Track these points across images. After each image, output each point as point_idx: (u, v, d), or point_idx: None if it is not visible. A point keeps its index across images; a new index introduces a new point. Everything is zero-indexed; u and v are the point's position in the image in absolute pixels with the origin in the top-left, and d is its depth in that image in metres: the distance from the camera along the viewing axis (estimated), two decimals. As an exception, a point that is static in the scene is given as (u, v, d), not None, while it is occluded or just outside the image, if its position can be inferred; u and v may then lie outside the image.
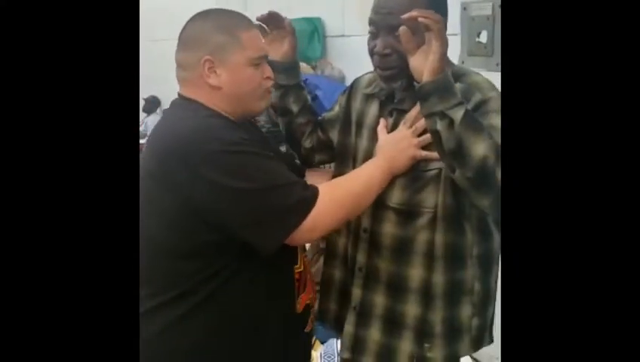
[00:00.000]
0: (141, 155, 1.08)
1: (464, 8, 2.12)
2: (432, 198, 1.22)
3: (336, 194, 1.18)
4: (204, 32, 1.18)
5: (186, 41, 1.20)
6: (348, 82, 2.84)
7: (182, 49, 1.20)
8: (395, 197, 1.26)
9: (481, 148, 1.03)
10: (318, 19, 2.90)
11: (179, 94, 1.22)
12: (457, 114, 1.05)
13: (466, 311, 1.27)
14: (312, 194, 1.13)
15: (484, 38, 2.07)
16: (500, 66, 2.02)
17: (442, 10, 1.20)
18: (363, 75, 1.43)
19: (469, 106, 1.13)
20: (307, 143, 1.48)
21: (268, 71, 1.23)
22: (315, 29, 2.88)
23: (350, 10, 2.74)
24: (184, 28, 1.21)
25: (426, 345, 1.26)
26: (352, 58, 2.80)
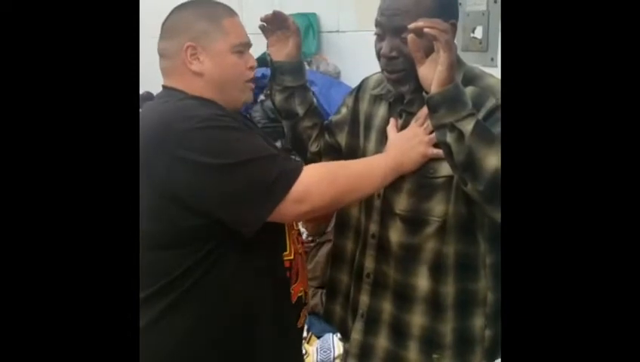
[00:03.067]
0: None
1: (459, 4, 2.12)
2: (440, 207, 1.20)
3: (330, 170, 1.16)
4: (186, 20, 1.18)
5: (167, 30, 1.20)
6: (343, 78, 2.85)
7: (164, 38, 1.20)
8: (402, 204, 1.24)
9: (492, 161, 1.01)
10: (313, 14, 2.89)
11: (162, 86, 1.22)
12: (467, 126, 1.03)
13: (478, 322, 1.24)
14: (294, 167, 1.10)
15: (479, 33, 2.07)
16: (494, 61, 2.03)
17: (452, 12, 1.18)
18: (371, 75, 1.40)
19: (483, 112, 1.12)
20: (314, 147, 1.43)
21: (252, 61, 1.22)
22: (309, 24, 2.87)
23: (345, 6, 2.74)
24: (166, 18, 1.21)
25: (435, 356, 1.24)
26: (347, 53, 2.80)
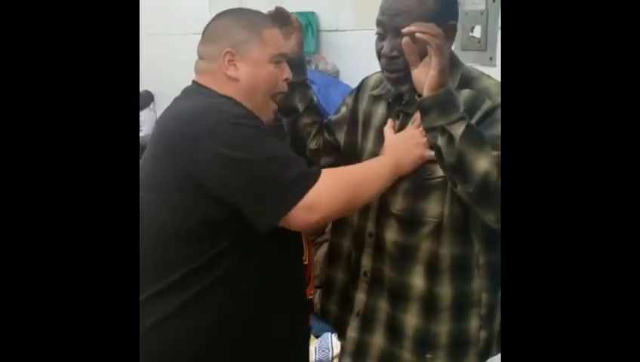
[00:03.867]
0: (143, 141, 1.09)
1: (458, 3, 2.12)
2: (435, 208, 1.21)
3: (338, 177, 1.16)
4: (227, 27, 1.22)
5: (209, 34, 1.24)
6: (342, 77, 2.85)
7: (204, 42, 1.24)
8: (398, 204, 1.24)
9: (482, 164, 1.02)
10: (312, 13, 2.90)
11: (193, 81, 1.24)
12: (458, 130, 1.04)
13: (473, 323, 1.25)
14: (314, 171, 1.11)
15: (477, 32, 2.07)
16: (493, 61, 2.03)
17: (453, 13, 1.19)
18: (371, 75, 1.41)
19: (478, 115, 1.13)
20: (313, 144, 1.44)
21: (287, 72, 1.25)
22: (309, 23, 2.87)
23: (344, 5, 2.74)
24: (209, 23, 1.26)
25: (428, 356, 1.25)
26: (346, 52, 2.80)
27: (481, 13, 2.05)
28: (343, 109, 1.44)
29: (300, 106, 1.42)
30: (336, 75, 2.85)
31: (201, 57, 1.25)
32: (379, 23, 1.20)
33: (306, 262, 1.24)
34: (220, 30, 1.23)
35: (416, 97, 1.10)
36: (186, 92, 1.24)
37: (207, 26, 1.25)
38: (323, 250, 2.36)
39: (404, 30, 1.05)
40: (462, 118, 1.05)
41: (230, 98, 1.19)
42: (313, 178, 1.09)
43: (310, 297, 1.28)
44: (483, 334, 1.26)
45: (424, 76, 1.07)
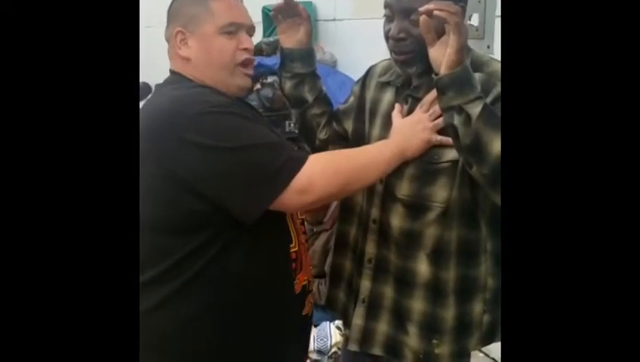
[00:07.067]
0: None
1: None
2: (442, 193, 1.20)
3: (333, 160, 1.16)
4: (180, 6, 1.20)
5: (168, 16, 1.22)
6: (340, 66, 2.85)
7: (167, 25, 1.22)
8: (404, 189, 1.24)
9: (498, 145, 1.02)
10: (310, 3, 2.89)
11: (169, 70, 1.23)
12: (475, 109, 1.03)
13: (477, 307, 1.25)
14: (300, 156, 1.10)
15: (475, 21, 2.07)
16: (491, 49, 2.03)
17: None
18: (378, 63, 1.40)
19: (490, 98, 1.12)
20: (322, 135, 1.43)
21: (246, 42, 1.19)
22: (306, 13, 2.87)
23: (341, -6, 2.74)
24: (169, 5, 1.23)
25: (434, 341, 1.25)
26: (343, 42, 2.79)
27: (479, 2, 2.05)
28: (351, 99, 1.43)
29: (310, 97, 1.41)
30: (333, 64, 2.85)
31: (166, 41, 1.22)
32: (386, 5, 1.19)
33: (296, 249, 1.23)
34: (172, 11, 1.21)
35: (433, 76, 1.09)
36: (164, 82, 1.22)
37: (169, 7, 1.23)
38: (322, 239, 2.37)
39: (422, 9, 1.04)
40: (479, 98, 1.05)
41: (207, 87, 1.16)
42: (301, 161, 1.08)
43: (304, 284, 1.27)
44: (487, 318, 1.26)
45: (441, 55, 1.06)
